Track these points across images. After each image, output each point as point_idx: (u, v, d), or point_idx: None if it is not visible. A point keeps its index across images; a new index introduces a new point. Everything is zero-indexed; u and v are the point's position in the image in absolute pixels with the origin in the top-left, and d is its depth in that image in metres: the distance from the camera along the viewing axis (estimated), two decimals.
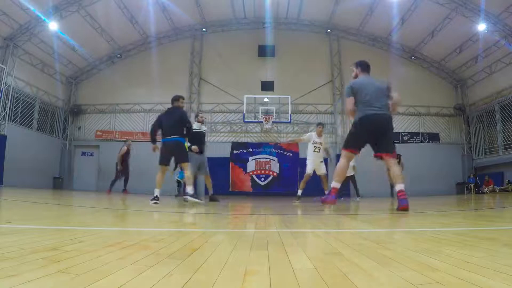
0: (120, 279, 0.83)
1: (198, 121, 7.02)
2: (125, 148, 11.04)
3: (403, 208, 3.69)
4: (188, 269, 0.96)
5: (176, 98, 5.83)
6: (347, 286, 0.81)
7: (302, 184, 7.45)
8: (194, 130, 6.45)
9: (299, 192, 7.45)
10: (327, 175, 7.52)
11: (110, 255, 1.12)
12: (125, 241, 1.47)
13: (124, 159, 10.95)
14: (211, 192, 6.95)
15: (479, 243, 1.48)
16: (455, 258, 1.11)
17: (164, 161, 5.41)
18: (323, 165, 7.43)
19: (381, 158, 4.09)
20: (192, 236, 1.69)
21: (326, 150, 7.66)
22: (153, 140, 5.55)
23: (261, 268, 1.00)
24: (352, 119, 4.20)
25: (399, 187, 3.85)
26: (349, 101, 4.10)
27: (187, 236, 1.70)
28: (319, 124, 7.60)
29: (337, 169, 4.18)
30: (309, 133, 7.71)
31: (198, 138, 6.62)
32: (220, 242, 1.52)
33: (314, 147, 7.33)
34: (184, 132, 5.46)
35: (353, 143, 4.16)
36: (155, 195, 5.17)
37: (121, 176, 10.83)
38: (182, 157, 5.51)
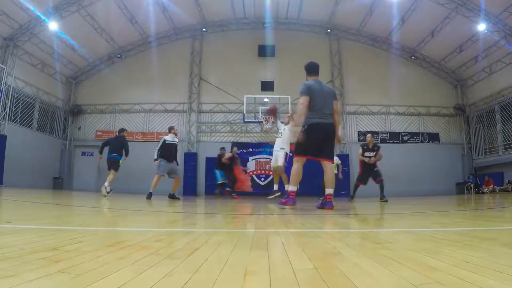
0: (120, 279, 0.83)
1: (173, 133, 8.05)
2: (230, 154, 10.84)
3: (329, 208, 4.02)
4: (188, 269, 0.96)
5: (122, 130, 8.58)
6: (347, 286, 0.81)
7: (276, 178, 7.23)
8: (167, 142, 7.79)
9: (275, 187, 7.13)
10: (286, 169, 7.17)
11: (110, 255, 1.12)
12: (125, 241, 1.47)
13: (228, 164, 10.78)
14: (173, 192, 7.82)
15: (479, 243, 1.49)
16: (455, 258, 1.12)
17: (109, 168, 8.14)
18: (280, 156, 6.87)
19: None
20: (192, 236, 1.69)
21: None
22: (101, 152, 8.38)
23: (261, 268, 1.00)
24: (297, 119, 4.22)
25: (329, 191, 4.13)
26: (306, 100, 4.11)
27: (187, 236, 1.70)
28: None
29: (292, 173, 4.24)
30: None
31: (169, 149, 7.74)
32: (220, 242, 1.52)
33: (279, 133, 7.19)
34: (123, 153, 8.15)
35: (305, 150, 4.20)
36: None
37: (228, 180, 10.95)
38: (114, 166, 8.05)
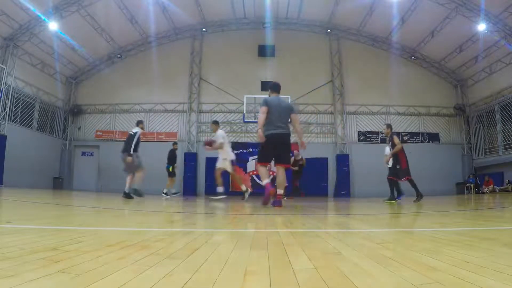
0: (120, 279, 0.83)
1: (141, 127, 7.67)
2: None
3: (278, 207, 4.54)
4: (188, 269, 0.96)
5: (173, 144, 10.69)
6: (347, 286, 0.81)
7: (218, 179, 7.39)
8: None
9: (220, 189, 7.30)
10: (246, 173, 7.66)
11: (110, 255, 1.12)
12: (125, 241, 1.47)
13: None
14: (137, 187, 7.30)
15: (479, 243, 1.49)
16: (455, 258, 1.12)
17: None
18: (227, 165, 7.29)
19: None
20: (192, 236, 1.69)
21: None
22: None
23: (261, 268, 1.00)
24: (259, 125, 4.89)
25: (279, 191, 4.78)
26: (264, 110, 4.85)
27: (187, 236, 1.70)
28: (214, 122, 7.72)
29: (260, 173, 5.13)
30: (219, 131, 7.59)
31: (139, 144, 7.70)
32: (220, 242, 1.53)
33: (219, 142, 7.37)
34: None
35: (266, 158, 5.00)
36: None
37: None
38: (169, 174, 10.29)
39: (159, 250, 1.25)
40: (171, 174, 10.26)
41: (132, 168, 7.13)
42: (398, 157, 7.11)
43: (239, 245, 1.42)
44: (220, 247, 1.36)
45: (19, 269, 0.89)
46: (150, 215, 3.44)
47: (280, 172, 4.90)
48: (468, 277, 0.87)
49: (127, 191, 6.94)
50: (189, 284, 0.81)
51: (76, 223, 2.42)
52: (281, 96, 5.31)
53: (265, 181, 4.94)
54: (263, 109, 4.85)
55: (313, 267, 1.01)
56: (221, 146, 7.22)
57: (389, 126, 7.62)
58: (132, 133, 7.32)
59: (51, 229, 1.84)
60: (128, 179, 7.10)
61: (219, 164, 7.32)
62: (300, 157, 10.82)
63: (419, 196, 6.74)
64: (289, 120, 4.97)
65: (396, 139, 7.16)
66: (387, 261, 1.08)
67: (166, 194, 9.96)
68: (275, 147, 4.81)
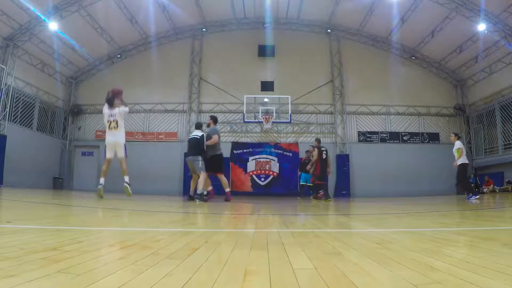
0: (120, 279, 0.83)
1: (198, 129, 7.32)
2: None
3: (229, 200, 6.90)
4: (188, 269, 0.96)
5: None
6: (347, 286, 0.81)
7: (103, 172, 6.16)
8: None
9: (102, 180, 6.06)
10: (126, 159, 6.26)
11: (110, 255, 1.12)
12: (125, 241, 1.47)
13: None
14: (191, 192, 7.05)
15: (479, 243, 1.49)
16: (455, 258, 1.12)
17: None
18: (121, 149, 6.04)
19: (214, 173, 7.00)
20: (192, 236, 1.69)
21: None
22: None
23: (261, 268, 1.00)
24: (211, 144, 6.77)
25: (227, 190, 7.04)
26: (216, 138, 6.88)
27: (187, 236, 1.70)
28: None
29: (200, 181, 6.49)
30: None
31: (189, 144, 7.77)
32: (220, 242, 1.52)
33: (108, 122, 5.97)
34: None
35: (211, 169, 6.80)
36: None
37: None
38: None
39: (159, 250, 1.25)
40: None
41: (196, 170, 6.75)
42: (316, 164, 8.97)
43: (239, 245, 1.42)
44: (220, 247, 1.36)
45: (19, 269, 0.89)
46: (150, 215, 3.43)
47: (223, 178, 6.92)
48: (468, 277, 0.87)
49: (194, 194, 6.73)
50: (189, 284, 0.81)
51: (76, 223, 2.42)
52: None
53: (210, 188, 6.92)
54: (216, 137, 6.84)
55: (313, 267, 1.01)
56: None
57: (318, 140, 9.32)
58: (198, 137, 6.97)
59: (51, 229, 1.84)
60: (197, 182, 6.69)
61: (120, 154, 6.05)
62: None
63: (325, 197, 8.44)
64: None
65: (315, 152, 8.94)
66: (387, 261, 1.08)
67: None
68: (220, 162, 6.94)
